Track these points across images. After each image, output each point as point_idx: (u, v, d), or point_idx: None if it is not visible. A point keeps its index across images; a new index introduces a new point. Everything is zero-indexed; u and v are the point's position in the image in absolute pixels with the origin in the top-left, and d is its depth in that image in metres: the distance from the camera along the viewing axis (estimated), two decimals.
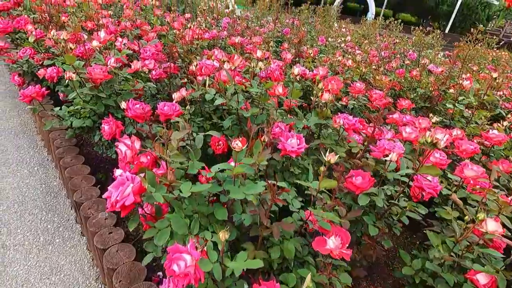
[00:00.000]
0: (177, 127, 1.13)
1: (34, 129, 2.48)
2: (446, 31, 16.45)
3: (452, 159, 1.56)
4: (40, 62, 1.91)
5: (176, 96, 1.24)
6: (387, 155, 0.95)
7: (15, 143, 2.26)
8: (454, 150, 1.43)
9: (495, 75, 1.55)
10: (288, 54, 2.30)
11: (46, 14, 2.40)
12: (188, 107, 1.30)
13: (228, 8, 8.67)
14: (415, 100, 2.58)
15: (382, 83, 2.11)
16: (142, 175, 0.77)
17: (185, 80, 1.49)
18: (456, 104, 1.80)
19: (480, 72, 3.66)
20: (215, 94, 1.26)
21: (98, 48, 1.43)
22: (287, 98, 1.22)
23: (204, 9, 4.54)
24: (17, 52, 1.96)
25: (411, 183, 1.00)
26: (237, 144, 0.79)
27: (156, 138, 0.88)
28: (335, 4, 12.92)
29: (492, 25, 20.07)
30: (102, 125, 1.23)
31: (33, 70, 1.95)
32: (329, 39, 4.37)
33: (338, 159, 0.81)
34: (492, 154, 1.55)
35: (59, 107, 1.48)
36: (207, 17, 3.91)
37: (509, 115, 2.15)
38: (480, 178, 1.02)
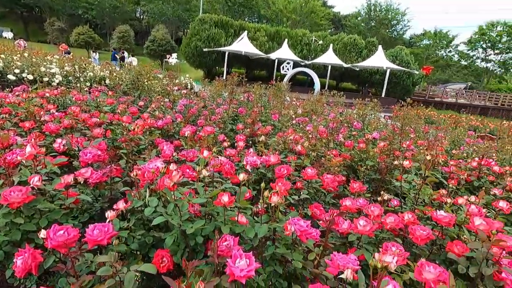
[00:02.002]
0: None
1: None
2: (382, 95, 18.90)
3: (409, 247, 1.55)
4: None
5: (109, 214, 1.10)
6: (342, 272, 0.88)
7: None
8: (409, 237, 1.43)
9: (428, 157, 1.67)
10: (240, 142, 2.33)
11: None
12: (126, 223, 1.16)
13: (187, 87, 9.13)
14: (366, 173, 2.69)
15: (332, 164, 2.18)
16: None
17: (127, 188, 1.38)
18: (402, 183, 1.88)
19: (417, 139, 4.05)
20: (156, 206, 1.15)
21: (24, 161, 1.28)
22: (235, 207, 1.15)
23: (159, 92, 4.69)
24: None
25: None
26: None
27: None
28: (285, 80, 14.43)
29: (418, 88, 23.69)
30: (15, 259, 1.02)
31: None
32: (282, 112, 4.67)
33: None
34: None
35: None
36: (162, 102, 4.00)
37: (450, 184, 2.31)
38: (440, 281, 0.98)
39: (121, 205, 1.18)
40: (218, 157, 1.70)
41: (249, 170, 1.74)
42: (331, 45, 20.61)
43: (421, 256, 1.46)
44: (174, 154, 1.89)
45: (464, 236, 1.49)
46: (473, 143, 4.69)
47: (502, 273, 1.25)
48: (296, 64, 18.47)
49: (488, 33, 33.81)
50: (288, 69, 16.64)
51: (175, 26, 37.77)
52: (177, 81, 7.24)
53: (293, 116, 4.54)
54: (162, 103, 3.93)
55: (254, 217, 1.32)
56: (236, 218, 1.19)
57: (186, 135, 1.99)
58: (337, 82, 23.97)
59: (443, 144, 4.08)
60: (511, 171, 2.96)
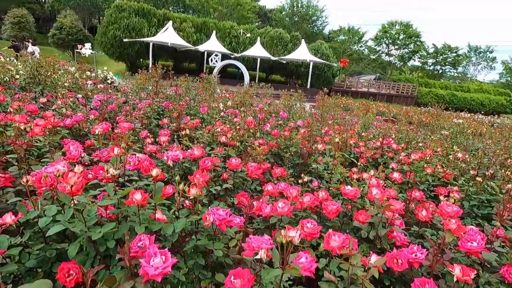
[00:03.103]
0: None
1: None
2: (308, 86, 20.36)
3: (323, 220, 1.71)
4: None
5: None
6: (257, 253, 0.92)
7: None
8: (323, 212, 1.58)
9: (336, 139, 1.87)
10: (163, 137, 2.23)
11: None
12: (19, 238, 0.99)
13: (107, 80, 8.24)
14: (290, 159, 2.87)
15: (257, 153, 2.26)
16: None
17: (18, 198, 1.17)
18: (318, 165, 2.06)
19: (335, 124, 4.49)
20: (55, 215, 1.02)
21: None
22: (149, 205, 1.09)
23: (69, 88, 4.12)
24: None
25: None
26: None
27: None
28: (214, 72, 14.28)
29: (338, 80, 26.25)
30: None
31: None
32: (212, 105, 4.63)
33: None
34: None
35: None
36: (72, 98, 3.53)
37: (359, 163, 2.63)
38: (344, 246, 1.11)
39: (8, 219, 1.00)
40: (135, 154, 1.58)
41: (171, 165, 1.67)
42: (259, 38, 21.15)
43: (334, 228, 1.64)
44: (83, 155, 1.69)
45: (367, 206, 1.72)
46: (379, 126, 5.44)
47: (394, 232, 1.50)
48: (225, 57, 18.42)
49: (389, 31, 39.28)
50: (216, 61, 16.47)
51: (87, 12, 33.46)
52: (92, 74, 6.47)
53: (223, 109, 4.54)
54: (71, 100, 3.47)
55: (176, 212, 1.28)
56: (154, 216, 1.14)
57: (97, 132, 1.80)
58: (267, 74, 24.83)
59: (356, 128, 4.62)
60: (405, 147, 3.53)
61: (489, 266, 1.37)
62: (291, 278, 1.26)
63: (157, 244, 1.00)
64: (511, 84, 39.26)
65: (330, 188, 2.00)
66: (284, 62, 21.15)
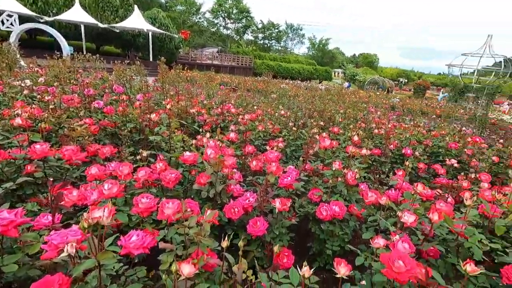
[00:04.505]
0: None
1: None
2: (150, 59, 18.87)
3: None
4: None
5: None
6: (62, 251, 0.74)
7: None
8: (162, 183, 1.50)
9: (168, 106, 1.78)
10: None
11: None
12: None
13: None
14: (129, 136, 2.58)
15: (78, 133, 1.86)
16: None
17: None
18: (155, 137, 1.93)
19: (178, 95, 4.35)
20: None
21: None
22: None
23: None
24: None
25: None
26: None
27: None
28: (11, 39, 10.65)
29: (182, 52, 25.68)
30: None
31: None
32: (10, 82, 3.45)
33: None
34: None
35: None
36: None
37: (203, 130, 2.68)
38: (179, 211, 1.08)
39: None
40: None
41: None
42: None
43: (176, 197, 1.60)
44: None
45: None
46: (223, 94, 5.76)
47: (231, 185, 1.62)
48: (27, 20, 13.97)
49: (223, 4, 41.34)
50: (12, 24, 12.16)
51: None
52: None
53: (31, 86, 3.47)
54: None
55: None
56: None
57: None
58: (97, 45, 21.10)
59: (200, 98, 4.69)
60: (242, 111, 3.90)
61: (299, 193, 1.73)
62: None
63: None
64: (315, 56, 50.85)
65: (171, 158, 1.93)
66: (118, 30, 18.47)
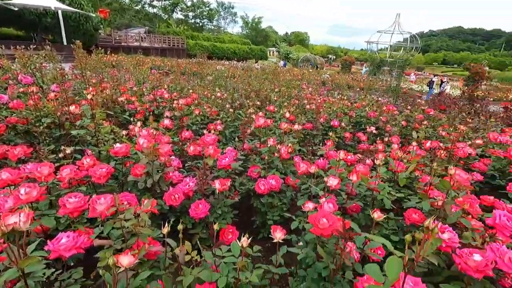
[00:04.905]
0: None
1: None
2: (65, 43, 16.47)
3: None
4: None
5: None
6: None
7: None
8: (93, 180, 1.41)
9: (89, 96, 1.63)
10: None
11: None
12: None
13: None
14: (47, 133, 2.29)
15: None
16: None
17: None
18: (78, 132, 1.77)
19: (101, 82, 3.97)
20: None
21: None
22: None
23: None
24: None
25: None
26: None
27: None
28: None
29: (103, 33, 22.95)
30: None
31: None
32: None
33: None
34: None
35: None
36: None
37: (136, 119, 2.52)
38: (113, 206, 1.04)
39: None
40: None
41: None
42: None
43: (110, 192, 1.53)
44: None
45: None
46: (155, 79, 5.42)
47: (169, 173, 1.60)
48: None
49: None
50: None
51: None
52: None
53: None
54: None
55: None
56: None
57: None
58: None
59: (130, 85, 4.34)
60: (177, 96, 3.76)
61: (238, 172, 1.80)
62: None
63: None
64: (249, 35, 50.72)
65: (101, 152, 1.80)
66: (16, 9, 15.51)
